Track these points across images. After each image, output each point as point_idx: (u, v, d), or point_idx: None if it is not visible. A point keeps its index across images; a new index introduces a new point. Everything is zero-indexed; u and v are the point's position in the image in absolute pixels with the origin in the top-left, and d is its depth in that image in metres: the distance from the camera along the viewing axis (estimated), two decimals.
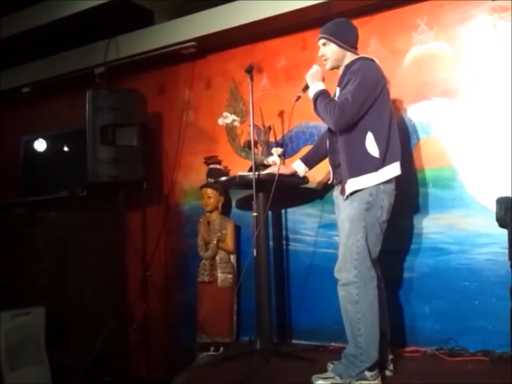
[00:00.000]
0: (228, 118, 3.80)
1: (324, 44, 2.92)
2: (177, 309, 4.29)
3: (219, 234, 3.84)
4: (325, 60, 2.94)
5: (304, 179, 3.43)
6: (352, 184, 2.73)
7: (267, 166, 3.43)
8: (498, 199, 2.83)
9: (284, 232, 3.85)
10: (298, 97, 3.05)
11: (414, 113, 3.43)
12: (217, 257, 3.84)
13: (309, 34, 3.72)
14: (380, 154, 2.73)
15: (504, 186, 3.04)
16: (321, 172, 3.58)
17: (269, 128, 3.79)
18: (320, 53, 2.95)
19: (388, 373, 2.84)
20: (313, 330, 3.63)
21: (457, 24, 3.34)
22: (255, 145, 3.52)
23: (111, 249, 4.25)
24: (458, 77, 3.32)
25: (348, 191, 2.76)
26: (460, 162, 3.29)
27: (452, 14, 3.35)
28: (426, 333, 3.29)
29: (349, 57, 2.89)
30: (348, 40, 2.89)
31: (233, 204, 4.08)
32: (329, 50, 2.90)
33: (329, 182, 3.06)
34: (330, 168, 3.01)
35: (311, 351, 3.42)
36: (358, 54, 2.92)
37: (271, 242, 3.71)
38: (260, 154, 3.62)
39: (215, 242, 3.83)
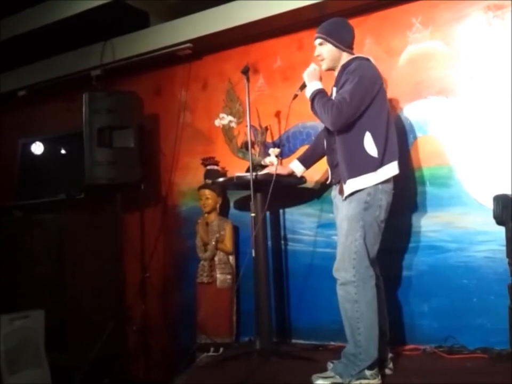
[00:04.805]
0: (224, 119, 3.80)
1: (321, 44, 2.91)
2: (177, 310, 4.29)
3: (217, 235, 3.85)
4: (321, 60, 2.94)
5: (302, 179, 3.43)
6: (352, 184, 2.74)
7: (264, 167, 3.43)
8: (496, 197, 2.84)
9: (282, 232, 3.85)
10: (296, 96, 3.05)
11: (410, 112, 3.44)
12: (216, 258, 3.84)
13: (304, 34, 3.73)
14: (379, 154, 2.74)
15: (501, 184, 3.06)
16: (318, 172, 3.59)
17: (266, 128, 3.79)
18: (316, 53, 2.95)
19: (387, 371, 2.85)
20: (312, 330, 3.63)
21: (452, 22, 3.34)
22: (252, 146, 3.53)
23: (109, 251, 4.24)
24: (453, 76, 3.33)
25: (347, 192, 2.76)
26: (456, 161, 3.30)
27: (446, 12, 3.36)
28: (425, 331, 3.30)
29: (345, 57, 2.89)
30: (345, 41, 2.89)
31: (231, 204, 4.09)
32: (326, 51, 2.90)
33: (328, 182, 3.07)
34: (328, 168, 3.01)
35: (311, 350, 3.43)
36: (353, 54, 2.93)
37: (269, 243, 3.71)
38: (257, 154, 3.62)
39: (213, 243, 3.83)
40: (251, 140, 3.46)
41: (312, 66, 2.97)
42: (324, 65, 2.95)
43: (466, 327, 3.17)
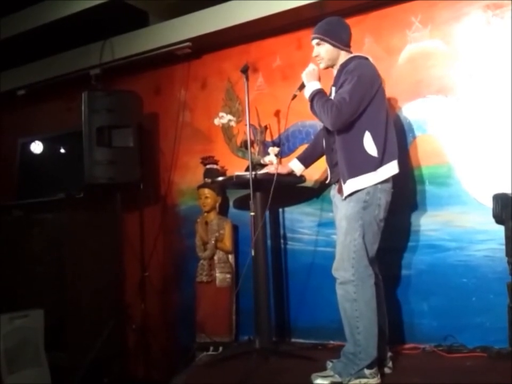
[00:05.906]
0: (224, 118, 3.79)
1: (318, 44, 2.91)
2: (176, 309, 4.29)
3: (217, 234, 3.85)
4: (319, 59, 2.93)
5: (301, 178, 3.43)
6: (352, 184, 2.73)
7: (264, 166, 3.43)
8: (495, 196, 2.85)
9: (281, 231, 3.85)
10: (294, 96, 3.04)
11: (410, 111, 3.44)
12: (216, 257, 3.84)
13: (303, 33, 3.72)
14: (378, 153, 2.74)
15: (501, 183, 3.06)
16: (318, 171, 3.59)
17: (265, 127, 3.79)
18: (314, 53, 2.95)
19: (387, 370, 2.86)
20: (312, 329, 3.63)
21: (451, 21, 3.34)
22: (252, 145, 3.54)
23: (109, 250, 4.25)
24: (453, 74, 3.33)
25: (347, 192, 2.75)
26: (456, 160, 3.30)
27: (445, 11, 3.36)
28: (425, 330, 3.30)
29: (343, 56, 2.89)
30: (342, 40, 2.89)
31: (231, 203, 4.09)
32: (323, 50, 2.90)
33: (327, 181, 3.06)
34: (327, 167, 3.01)
35: (310, 349, 3.42)
36: (351, 53, 2.93)
37: (269, 242, 3.71)
38: (256, 153, 3.62)
39: (213, 242, 3.83)
40: (250, 139, 3.45)
41: (311, 66, 2.97)
42: (322, 65, 2.94)
43: (466, 326, 3.17)
